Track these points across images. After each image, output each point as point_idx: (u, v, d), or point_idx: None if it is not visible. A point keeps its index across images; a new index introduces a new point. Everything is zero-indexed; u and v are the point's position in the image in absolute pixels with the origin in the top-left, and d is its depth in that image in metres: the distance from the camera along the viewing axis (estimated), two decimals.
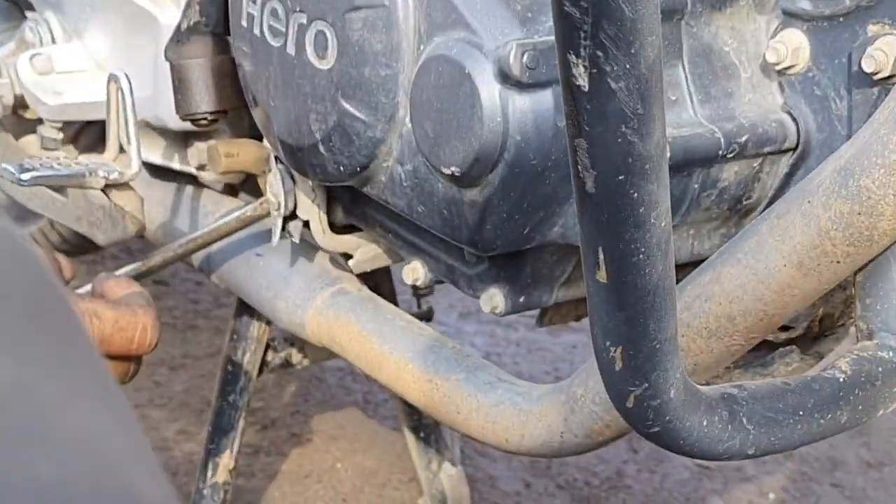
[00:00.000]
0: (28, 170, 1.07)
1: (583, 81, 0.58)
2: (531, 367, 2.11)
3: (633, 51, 0.57)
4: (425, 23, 0.90)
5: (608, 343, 0.69)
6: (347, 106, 0.95)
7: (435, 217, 0.94)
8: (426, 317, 1.55)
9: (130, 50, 1.23)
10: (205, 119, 1.11)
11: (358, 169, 0.97)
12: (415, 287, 1.54)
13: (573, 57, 0.58)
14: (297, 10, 0.96)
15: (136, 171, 1.11)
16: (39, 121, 1.28)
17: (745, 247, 0.83)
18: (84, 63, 1.28)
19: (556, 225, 0.92)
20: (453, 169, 0.89)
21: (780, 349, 0.98)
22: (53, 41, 1.31)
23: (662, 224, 0.64)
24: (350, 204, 1.13)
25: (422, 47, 0.91)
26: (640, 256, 0.65)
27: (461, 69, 0.86)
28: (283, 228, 1.13)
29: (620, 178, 0.61)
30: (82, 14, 1.27)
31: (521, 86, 0.85)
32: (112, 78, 1.11)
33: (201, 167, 1.27)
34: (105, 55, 1.27)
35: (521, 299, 1.01)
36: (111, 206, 1.18)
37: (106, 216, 1.22)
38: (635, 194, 0.62)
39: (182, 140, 1.28)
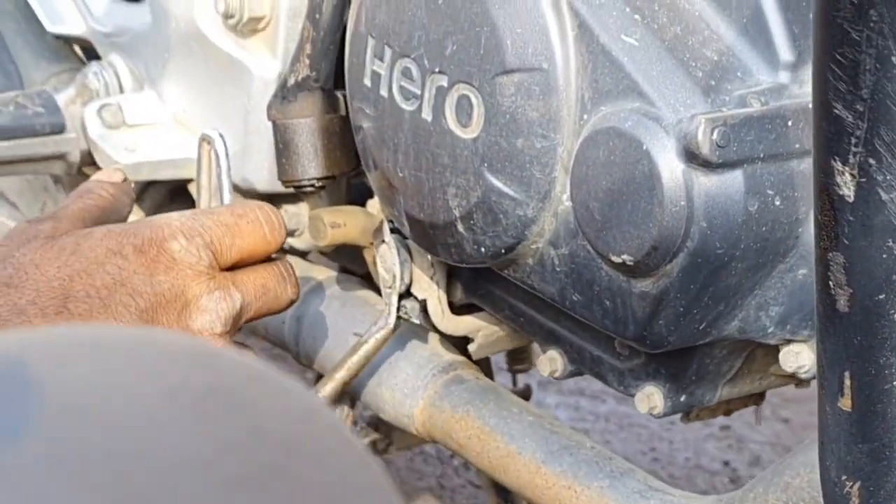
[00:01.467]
0: None
1: (847, 191, 0.58)
2: (624, 447, 2.10)
3: None
4: (590, 90, 0.90)
5: (844, 477, 0.69)
6: (495, 181, 0.94)
7: (594, 308, 0.94)
8: (524, 395, 1.55)
9: (215, 102, 1.24)
10: (311, 186, 1.11)
11: (503, 251, 0.97)
12: (511, 360, 1.55)
13: (838, 164, 0.58)
14: (436, 71, 0.96)
15: None
16: None
17: None
18: (158, 115, 1.28)
19: (735, 319, 0.92)
20: (624, 257, 0.88)
21: None
22: (121, 90, 1.31)
23: None
24: (472, 282, 1.12)
25: (585, 117, 0.91)
26: (894, 383, 0.64)
27: (638, 145, 0.86)
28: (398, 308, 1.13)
29: (881, 296, 0.61)
30: (158, 60, 1.28)
31: (708, 166, 0.85)
32: (205, 137, 1.11)
33: (290, 233, 1.27)
34: (183, 107, 1.27)
35: (683, 398, 1.01)
36: None
37: None
38: (894, 314, 0.62)
39: (267, 202, 1.28)
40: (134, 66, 1.31)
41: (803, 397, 2.15)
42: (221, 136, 1.11)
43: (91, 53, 1.38)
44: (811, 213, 0.88)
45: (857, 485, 0.68)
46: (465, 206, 0.97)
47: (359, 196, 1.27)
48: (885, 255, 0.60)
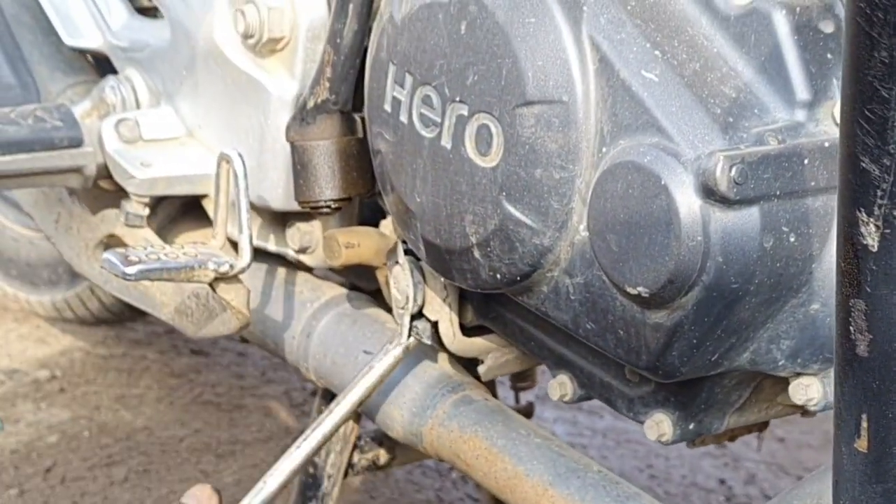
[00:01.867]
0: (133, 262, 1.08)
1: (871, 241, 0.60)
2: (622, 463, 2.11)
3: None
4: (609, 123, 0.92)
5: None
6: (512, 209, 0.96)
7: (607, 336, 0.95)
8: (527, 412, 1.56)
9: (231, 120, 1.25)
10: (328, 207, 1.12)
11: (518, 278, 0.98)
12: (514, 377, 1.56)
13: (863, 215, 0.59)
14: (457, 100, 0.98)
15: (247, 264, 1.12)
16: (122, 193, 1.29)
17: None
18: (174, 131, 1.30)
19: (747, 351, 0.93)
20: (640, 289, 0.90)
21: None
22: (138, 104, 1.32)
23: None
24: (483, 305, 1.14)
25: (604, 150, 0.92)
26: None
27: (656, 180, 0.88)
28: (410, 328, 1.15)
29: None
30: (175, 76, 1.29)
31: (725, 202, 0.86)
32: (224, 157, 1.13)
33: (302, 250, 1.28)
34: (199, 123, 1.28)
35: (692, 426, 1.02)
36: (209, 296, 1.19)
37: (200, 306, 1.23)
38: None
39: (280, 220, 1.29)
40: (151, 82, 1.32)
41: (798, 418, 2.17)
42: (240, 155, 1.12)
43: (102, 63, 1.39)
44: (825, 249, 0.90)
45: None
46: (482, 233, 0.98)
47: (370, 216, 1.28)
48: None
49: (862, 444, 0.67)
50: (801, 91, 0.90)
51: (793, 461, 2.13)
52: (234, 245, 1.17)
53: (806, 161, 0.88)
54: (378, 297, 1.34)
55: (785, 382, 1.01)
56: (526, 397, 1.66)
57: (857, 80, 0.56)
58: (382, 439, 1.52)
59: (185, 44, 1.27)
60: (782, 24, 0.91)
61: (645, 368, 0.95)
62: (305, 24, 1.19)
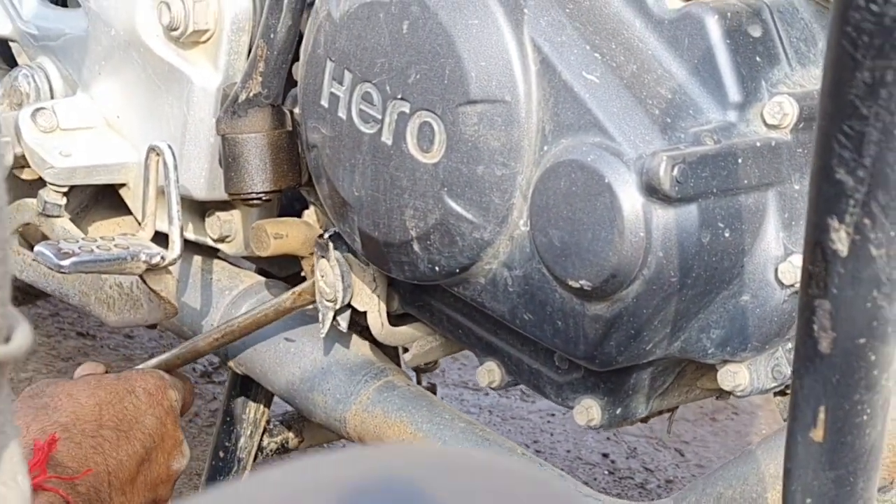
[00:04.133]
0: (67, 255, 1.08)
1: (841, 246, 0.63)
2: (508, 438, 2.16)
3: None
4: (551, 122, 0.94)
5: (808, 500, 0.74)
6: (454, 205, 0.98)
7: (545, 327, 0.98)
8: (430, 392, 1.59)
9: (153, 110, 1.24)
10: (259, 199, 1.13)
11: (457, 270, 1.01)
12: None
13: (835, 222, 0.63)
14: (399, 97, 0.99)
15: (178, 255, 1.13)
16: (39, 183, 1.28)
17: None
18: (92, 120, 1.29)
19: (679, 340, 0.97)
20: (583, 282, 0.93)
21: None
22: (52, 94, 1.31)
23: (890, 384, 0.69)
24: (410, 294, 1.16)
25: (546, 148, 0.95)
26: (864, 417, 0.70)
27: (599, 178, 0.91)
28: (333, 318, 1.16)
29: (861, 341, 0.67)
30: (93, 66, 1.28)
31: (667, 200, 0.90)
32: (154, 149, 1.13)
33: (221, 239, 1.28)
34: (118, 112, 1.28)
35: (619, 411, 1.06)
36: (134, 286, 1.19)
37: (123, 296, 1.23)
38: (873, 357, 0.67)
39: (198, 209, 1.30)
40: (66, 71, 1.31)
41: None
42: (170, 147, 1.13)
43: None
44: (755, 244, 0.94)
45: None
46: (422, 227, 1.00)
47: (288, 205, 1.30)
48: (869, 304, 0.65)
49: (818, 434, 0.71)
50: (733, 93, 0.94)
51: (671, 435, 2.20)
52: (158, 234, 1.17)
53: (739, 160, 0.92)
54: (293, 285, 1.35)
55: (705, 368, 1.05)
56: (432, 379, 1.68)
57: (837, 97, 0.59)
58: (291, 422, 1.53)
59: (103, 33, 1.26)
60: (714, 29, 0.95)
61: (582, 358, 0.98)
62: (230, 17, 1.19)
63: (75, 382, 1.12)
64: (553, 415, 2.23)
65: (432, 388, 1.63)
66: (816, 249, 0.65)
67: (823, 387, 0.69)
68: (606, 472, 2.10)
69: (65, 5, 1.37)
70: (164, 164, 1.12)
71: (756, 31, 0.96)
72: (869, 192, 0.61)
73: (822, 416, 0.70)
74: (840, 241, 0.63)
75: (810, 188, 0.64)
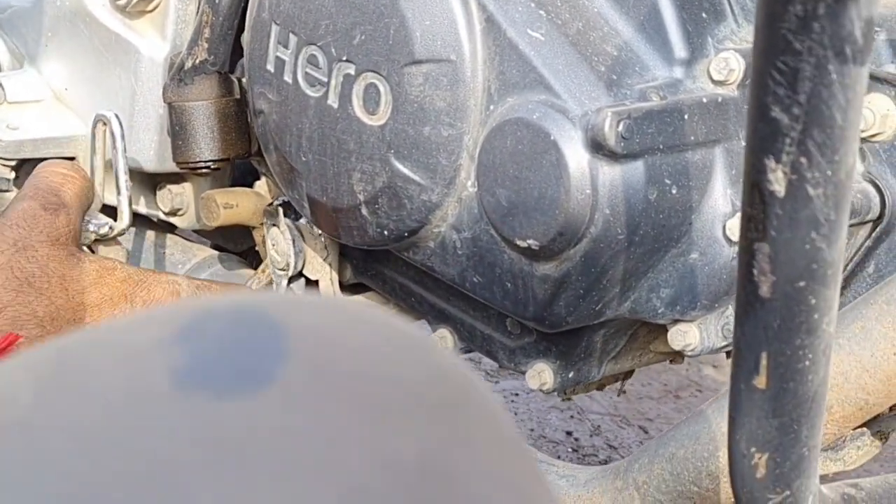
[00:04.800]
0: None
1: (779, 187, 0.63)
2: None
3: (836, 158, 0.62)
4: (497, 81, 0.94)
5: (753, 449, 0.74)
6: (400, 167, 0.97)
7: (494, 289, 0.97)
8: None
9: (100, 82, 1.23)
10: (207, 168, 1.12)
11: (406, 234, 1.00)
12: None
13: (772, 162, 0.62)
14: (343, 59, 0.98)
15: (127, 225, 1.11)
16: None
17: (848, 332, 0.88)
18: (39, 93, 1.27)
19: (628, 300, 0.96)
20: (530, 242, 0.92)
21: (851, 432, 1.04)
22: None
23: (831, 329, 0.69)
24: (362, 262, 1.15)
25: (492, 107, 0.94)
26: (806, 363, 0.69)
27: (545, 135, 0.90)
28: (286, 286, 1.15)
29: (801, 284, 0.66)
30: (39, 38, 1.27)
31: (613, 156, 0.89)
32: (100, 118, 1.11)
33: (173, 212, 1.27)
34: (65, 85, 1.26)
35: (571, 375, 1.05)
36: None
37: None
38: (813, 300, 0.67)
39: (149, 182, 1.28)
40: (12, 44, 1.30)
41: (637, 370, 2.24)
42: (117, 116, 1.11)
43: None
44: (703, 201, 0.93)
45: (765, 456, 0.73)
46: (370, 191, 1.00)
47: (240, 177, 1.29)
48: (807, 246, 0.65)
49: (760, 381, 0.70)
50: (679, 49, 0.94)
51: (635, 412, 2.20)
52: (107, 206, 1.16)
53: (686, 116, 0.91)
54: (247, 258, 1.34)
55: (658, 330, 1.05)
56: None
57: (770, 33, 0.59)
58: None
59: (49, 5, 1.25)
60: None
61: (532, 319, 0.97)
62: None
63: (75, 263, 1.00)
64: (517, 394, 2.23)
65: None
66: (754, 191, 0.64)
67: (765, 332, 0.68)
68: (570, 450, 2.10)
69: None
70: (112, 133, 1.11)
71: None
72: (804, 129, 0.61)
73: (764, 362, 0.69)
74: (777, 181, 0.63)
75: (747, 128, 0.63)
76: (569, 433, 2.14)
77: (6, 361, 0.42)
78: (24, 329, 0.94)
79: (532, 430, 2.14)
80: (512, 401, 2.21)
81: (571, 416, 2.17)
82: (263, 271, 1.20)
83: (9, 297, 0.94)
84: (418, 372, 0.42)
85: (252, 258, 1.36)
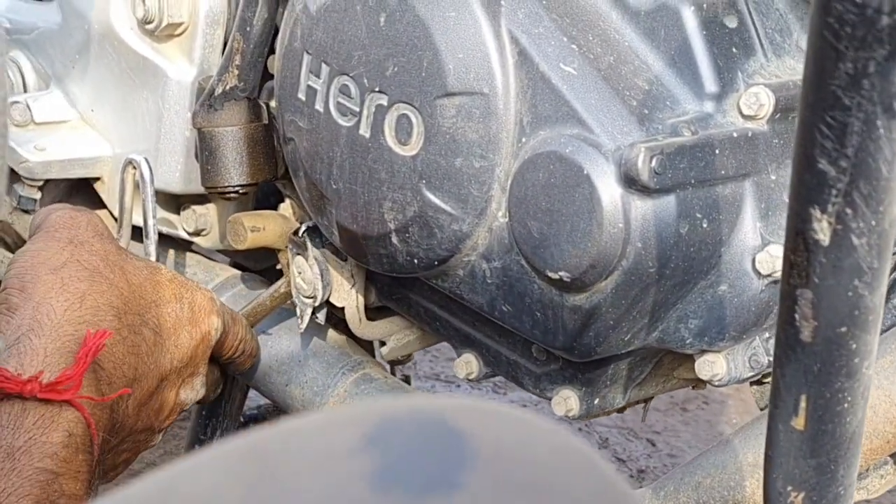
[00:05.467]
0: None
1: (823, 236, 0.64)
2: None
3: (881, 208, 0.63)
4: (529, 114, 0.94)
5: (789, 488, 0.74)
6: (432, 197, 0.98)
7: (523, 318, 0.98)
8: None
9: (127, 104, 1.24)
10: (235, 193, 1.13)
11: (435, 262, 1.00)
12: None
13: (817, 212, 0.63)
14: (376, 90, 0.99)
15: None
16: (14, 177, 1.27)
17: (877, 366, 0.89)
18: (66, 114, 1.28)
19: (656, 330, 0.97)
20: (562, 273, 0.93)
21: (874, 461, 1.04)
22: (25, 88, 1.30)
23: (870, 372, 0.70)
24: (387, 286, 1.16)
25: (524, 140, 0.95)
26: (845, 405, 0.70)
27: (578, 169, 0.91)
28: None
29: (843, 329, 0.67)
30: (67, 60, 1.27)
31: (645, 191, 0.90)
32: (131, 162, 1.12)
33: (197, 232, 1.28)
34: (92, 106, 1.27)
35: (596, 402, 1.06)
36: None
37: None
38: (854, 345, 0.68)
39: (173, 202, 1.29)
40: (38, 64, 1.30)
41: None
42: (147, 161, 1.12)
43: None
44: (732, 234, 0.94)
45: (802, 495, 0.74)
46: (400, 220, 1.00)
47: (263, 198, 1.29)
48: (850, 294, 0.66)
49: (799, 423, 0.71)
50: (710, 83, 0.94)
51: (642, 425, 2.21)
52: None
53: (717, 151, 0.92)
54: (268, 278, 1.35)
55: (682, 357, 1.06)
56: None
57: (819, 88, 0.60)
58: (266, 415, 1.53)
59: (77, 27, 1.25)
60: (690, 20, 0.95)
61: (561, 349, 0.98)
62: (205, 10, 1.19)
63: (126, 255, 1.02)
64: (525, 406, 2.24)
65: (406, 380, 1.63)
66: (798, 239, 0.65)
67: (805, 375, 0.69)
68: None
69: None
70: (141, 177, 1.12)
71: (732, 22, 0.96)
72: (851, 181, 0.62)
73: (803, 404, 0.70)
74: (822, 230, 0.63)
75: (792, 178, 0.64)
76: (555, 413, 2.15)
77: (204, 459, 0.44)
78: (105, 320, 0.96)
79: None
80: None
81: (579, 429, 2.18)
82: (281, 289, 1.20)
83: (84, 286, 0.96)
84: (588, 485, 0.45)
85: (271, 276, 1.37)
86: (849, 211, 0.63)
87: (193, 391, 1.07)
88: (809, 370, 0.69)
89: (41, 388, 0.92)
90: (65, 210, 1.02)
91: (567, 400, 1.05)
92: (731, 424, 2.23)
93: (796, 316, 0.67)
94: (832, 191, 0.62)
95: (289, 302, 1.22)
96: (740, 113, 0.94)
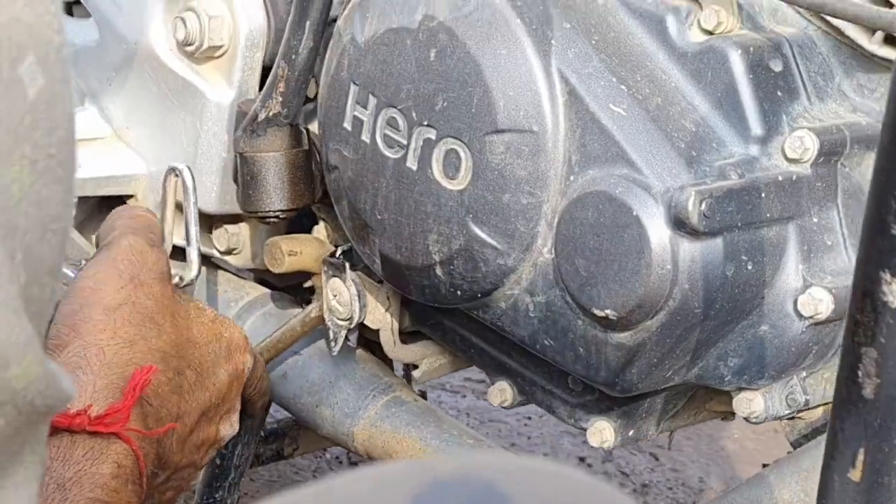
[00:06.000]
0: None
1: (892, 298, 0.65)
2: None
3: None
4: (578, 153, 0.95)
5: None
6: (478, 231, 0.99)
7: (566, 353, 0.99)
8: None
9: (164, 123, 1.25)
10: (276, 217, 1.14)
11: (479, 295, 1.02)
12: (408, 368, 1.59)
13: (887, 275, 0.65)
14: (425, 124, 1.00)
15: (196, 275, 1.13)
16: None
17: None
18: (101, 130, 1.29)
19: (696, 367, 0.98)
20: (608, 312, 0.94)
21: None
22: None
23: None
24: (421, 311, 1.17)
25: (572, 178, 0.96)
26: None
27: (627, 210, 0.92)
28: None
29: None
30: (103, 77, 1.28)
31: (694, 234, 0.91)
32: (173, 170, 1.13)
33: (229, 251, 1.29)
34: (127, 124, 1.28)
35: (631, 433, 1.07)
36: None
37: None
38: None
39: (205, 221, 1.30)
40: (75, 81, 1.31)
41: None
42: (189, 168, 1.13)
43: None
44: (776, 276, 0.95)
45: None
46: (445, 252, 1.01)
47: (297, 219, 1.30)
48: None
49: (856, 475, 0.72)
50: (756, 126, 0.96)
51: (647, 441, 2.22)
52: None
53: (763, 194, 0.94)
54: (294, 296, 1.36)
55: (715, 391, 1.07)
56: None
57: (895, 157, 0.61)
58: (287, 430, 1.54)
59: (115, 46, 1.26)
60: (737, 63, 0.96)
61: (603, 384, 0.99)
62: (245, 33, 1.19)
63: (178, 297, 1.04)
64: (530, 418, 2.25)
65: (423, 396, 1.64)
66: (866, 299, 0.66)
67: (864, 430, 0.71)
68: None
69: (70, 14, 1.37)
70: (184, 185, 1.12)
71: (777, 66, 0.97)
72: None
73: (861, 457, 0.72)
74: (891, 293, 0.65)
75: (862, 240, 0.65)
76: (581, 459, 2.16)
77: None
78: (150, 363, 0.97)
79: (545, 454, 2.16)
80: (525, 424, 2.23)
81: (584, 442, 2.18)
82: (312, 314, 1.21)
83: (135, 332, 0.97)
84: None
85: (296, 293, 1.38)
86: None
87: (231, 427, 1.09)
88: (869, 424, 0.70)
89: (90, 421, 0.92)
90: (137, 241, 1.02)
91: (602, 431, 1.07)
92: (733, 439, 2.25)
93: (859, 373, 0.69)
94: None
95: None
96: (785, 156, 0.96)
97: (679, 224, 0.91)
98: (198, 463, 1.06)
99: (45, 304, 0.58)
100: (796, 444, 1.11)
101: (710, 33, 0.96)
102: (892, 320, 0.66)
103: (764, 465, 1.18)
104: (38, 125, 0.54)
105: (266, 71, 1.19)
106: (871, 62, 1.00)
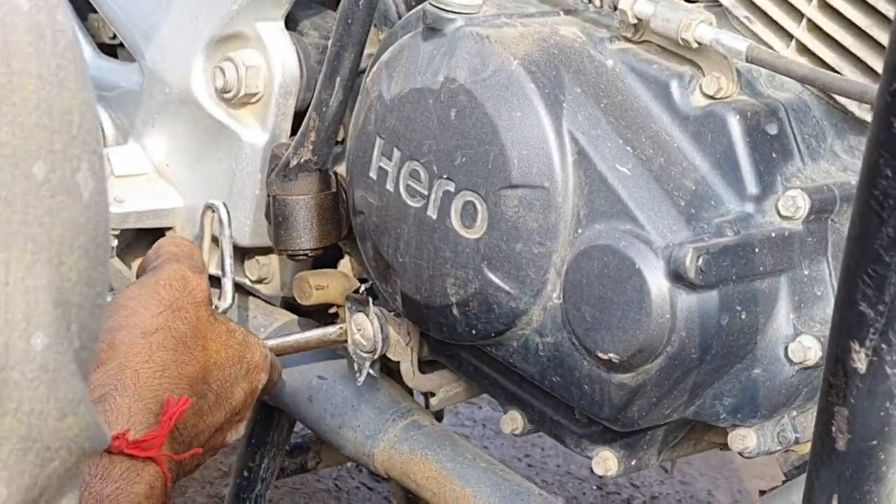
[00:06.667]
0: None
1: (860, 365, 0.72)
2: (501, 452, 2.24)
3: None
4: (586, 208, 1.03)
5: None
6: (493, 277, 1.06)
7: (572, 390, 1.07)
8: (437, 417, 1.67)
9: (202, 162, 1.32)
10: (305, 255, 1.21)
11: (492, 334, 1.09)
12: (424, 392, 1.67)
13: (856, 345, 0.72)
14: (444, 177, 1.08)
15: (230, 305, 1.20)
16: None
17: None
18: (143, 167, 1.37)
19: (693, 405, 1.06)
20: (611, 355, 1.01)
21: None
22: (105, 142, 1.39)
23: (895, 478, 0.78)
24: (439, 343, 1.24)
25: (580, 231, 1.03)
26: None
27: (630, 263, 0.99)
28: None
29: (874, 442, 0.75)
30: (146, 117, 1.36)
31: (691, 286, 0.98)
32: (210, 206, 1.21)
33: (259, 280, 1.37)
34: (167, 161, 1.36)
35: (633, 462, 1.15)
36: None
37: None
38: (882, 455, 0.76)
39: (238, 252, 1.38)
40: (119, 120, 1.39)
41: None
42: (225, 205, 1.20)
43: None
44: (768, 323, 1.02)
45: None
46: (462, 295, 1.09)
47: (322, 255, 1.38)
48: (882, 413, 0.74)
49: None
50: (752, 186, 1.03)
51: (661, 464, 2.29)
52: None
53: (756, 249, 1.01)
54: (319, 321, 1.43)
55: (712, 426, 1.14)
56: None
57: (864, 245, 0.68)
58: (310, 445, 1.61)
59: (159, 90, 1.34)
60: (735, 127, 1.03)
61: (606, 419, 1.07)
62: (279, 81, 1.27)
63: (212, 322, 1.09)
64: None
65: (439, 414, 1.72)
66: (838, 366, 0.73)
67: (838, 479, 0.78)
68: (595, 487, 2.19)
69: (113, 55, 1.45)
70: (220, 220, 1.20)
71: (773, 129, 1.04)
72: (887, 323, 0.70)
73: (834, 503, 0.79)
74: (860, 361, 0.72)
75: (834, 313, 0.72)
76: (592, 470, 2.23)
77: None
78: (179, 389, 1.04)
79: (558, 465, 2.23)
80: (539, 436, 2.29)
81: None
82: (331, 336, 1.28)
83: (168, 357, 1.04)
84: None
85: (320, 318, 1.45)
86: (884, 346, 0.71)
87: (237, 433, 1.15)
88: (842, 475, 0.77)
89: (128, 444, 1.00)
90: (181, 268, 1.08)
91: (606, 461, 1.14)
92: None
93: (833, 429, 0.76)
94: (870, 329, 0.71)
95: (337, 349, 1.30)
96: (778, 213, 1.03)
97: (677, 277, 0.98)
98: (201, 462, 1.12)
99: (91, 363, 0.67)
100: (789, 475, 1.18)
101: (712, 98, 1.04)
102: (860, 384, 0.73)
103: (763, 492, 1.24)
104: (91, 220, 0.63)
105: (298, 116, 1.27)
106: (862, 125, 1.07)
